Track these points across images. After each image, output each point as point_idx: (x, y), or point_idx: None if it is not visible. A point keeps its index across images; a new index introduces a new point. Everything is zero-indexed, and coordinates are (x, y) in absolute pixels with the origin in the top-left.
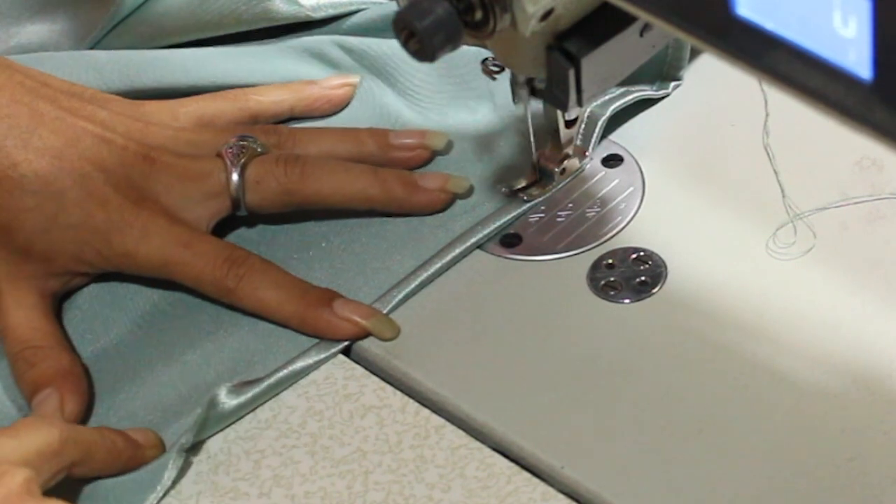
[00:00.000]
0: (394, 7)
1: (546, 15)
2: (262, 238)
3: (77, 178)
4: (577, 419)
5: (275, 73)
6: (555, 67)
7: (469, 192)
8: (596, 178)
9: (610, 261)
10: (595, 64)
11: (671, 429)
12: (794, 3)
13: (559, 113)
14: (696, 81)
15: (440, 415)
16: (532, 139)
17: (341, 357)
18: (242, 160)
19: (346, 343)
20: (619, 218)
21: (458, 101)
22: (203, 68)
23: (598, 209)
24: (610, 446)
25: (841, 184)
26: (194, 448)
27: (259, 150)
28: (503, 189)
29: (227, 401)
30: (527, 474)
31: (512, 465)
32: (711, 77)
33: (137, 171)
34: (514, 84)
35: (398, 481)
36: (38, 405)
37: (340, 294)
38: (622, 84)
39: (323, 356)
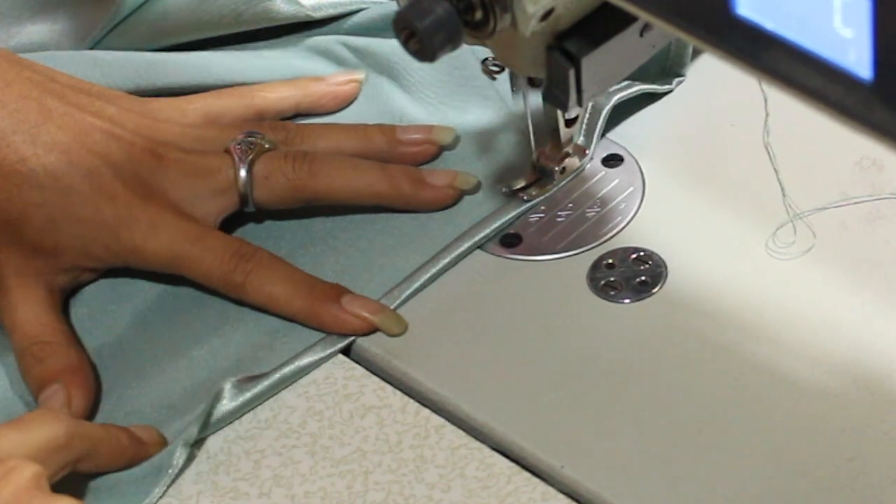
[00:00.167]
0: (394, 7)
1: (546, 15)
2: (269, 234)
3: (85, 174)
4: (577, 419)
5: (281, 71)
6: (555, 67)
7: (477, 188)
8: (596, 178)
9: (610, 261)
10: (595, 64)
11: (671, 429)
12: (794, 3)
13: (559, 112)
14: (696, 81)
15: (440, 415)
16: (532, 138)
17: (341, 357)
18: (250, 156)
19: (351, 339)
20: (619, 218)
21: (462, 98)
22: (209, 67)
23: (598, 209)
24: (610, 446)
25: (841, 184)
26: (195, 446)
27: (267, 146)
28: (503, 189)
29: (233, 396)
30: (527, 474)
31: (512, 465)
32: (711, 77)
33: (146, 166)
34: (514, 83)
35: (398, 481)
36: (45, 401)
37: (348, 289)
38: (625, 79)
39: (329, 352)
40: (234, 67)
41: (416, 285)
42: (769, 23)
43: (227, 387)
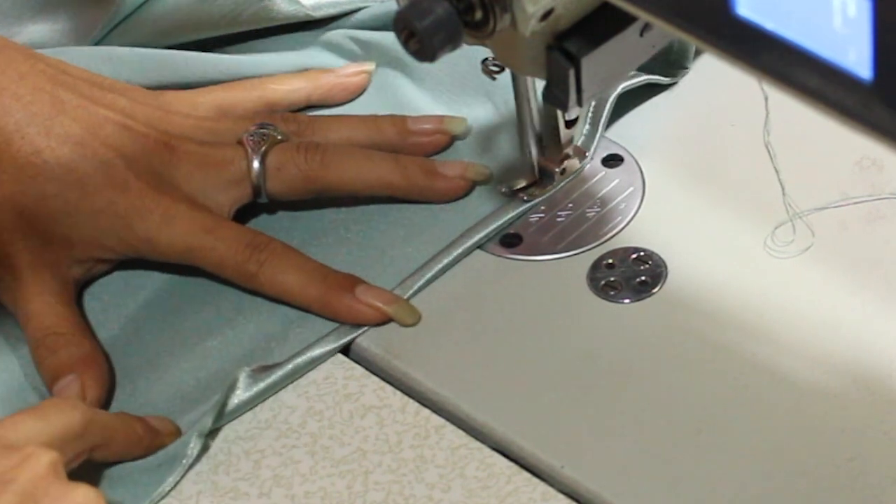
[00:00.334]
0: (394, 4)
1: (546, 15)
2: (282, 225)
3: (99, 165)
4: (577, 419)
5: (289, 65)
6: (555, 67)
7: (489, 179)
8: (596, 178)
9: (610, 261)
10: (595, 64)
11: (671, 429)
12: (793, 3)
13: (559, 113)
14: (696, 81)
15: (440, 415)
16: (532, 139)
17: (341, 357)
18: (263, 148)
19: (364, 329)
20: (619, 218)
21: (463, 98)
22: (220, 63)
23: (598, 209)
24: (610, 446)
25: (841, 183)
26: (208, 436)
27: (279, 137)
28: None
29: (247, 386)
30: (527, 474)
31: (512, 465)
32: (711, 77)
33: (158, 158)
34: (514, 83)
35: (398, 481)
36: (59, 391)
37: (362, 279)
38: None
39: (341, 342)
40: (244, 62)
41: (428, 276)
42: (769, 23)
43: (242, 377)
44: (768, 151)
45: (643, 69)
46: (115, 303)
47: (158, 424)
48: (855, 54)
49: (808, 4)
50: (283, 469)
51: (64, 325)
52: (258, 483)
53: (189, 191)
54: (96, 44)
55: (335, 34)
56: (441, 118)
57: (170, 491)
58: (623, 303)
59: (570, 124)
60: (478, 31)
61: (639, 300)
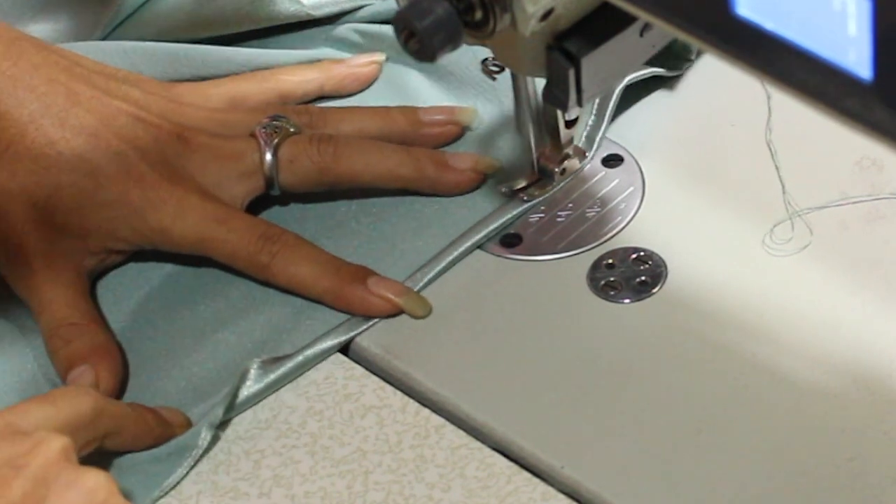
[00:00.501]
0: (394, 3)
1: (546, 15)
2: (294, 217)
3: (112, 156)
4: (577, 419)
5: (301, 57)
6: (555, 67)
7: (499, 171)
8: (596, 178)
9: (610, 261)
10: (595, 64)
11: (671, 429)
12: (793, 3)
13: (559, 113)
14: (696, 81)
15: (440, 415)
16: (532, 139)
17: (341, 357)
18: (276, 140)
19: (374, 321)
20: (619, 218)
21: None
22: (233, 56)
23: (598, 209)
24: (610, 446)
25: (841, 183)
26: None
27: (292, 130)
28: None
29: (258, 377)
30: (527, 474)
31: (512, 465)
32: (712, 77)
33: (172, 150)
34: (514, 83)
35: (398, 481)
36: (73, 381)
37: (374, 271)
38: None
39: (353, 333)
40: (256, 56)
41: (438, 268)
42: (769, 23)
43: (253, 368)
44: (770, 149)
45: (648, 62)
46: (128, 294)
47: (169, 415)
48: (855, 54)
49: (808, 4)
50: (283, 469)
51: (78, 316)
52: (258, 483)
53: (202, 182)
54: None
55: (340, 29)
56: (452, 109)
57: (179, 481)
58: (623, 303)
59: (570, 124)
60: (478, 31)
61: (639, 300)
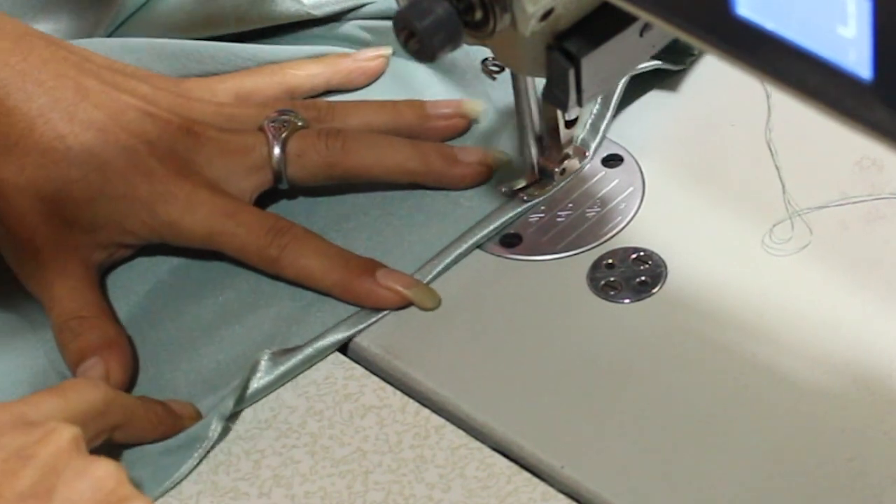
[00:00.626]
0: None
1: (546, 15)
2: (302, 211)
3: (122, 151)
4: (577, 419)
5: (308, 52)
6: (555, 67)
7: (507, 165)
8: (596, 178)
9: (610, 261)
10: (595, 64)
11: (671, 429)
12: (793, 2)
13: (559, 113)
14: (696, 81)
15: (440, 415)
16: (531, 139)
17: (341, 357)
18: (284, 134)
19: (383, 313)
20: (619, 218)
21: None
22: (241, 53)
23: (598, 209)
24: (610, 446)
25: (841, 183)
26: (229, 420)
27: (300, 124)
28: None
29: (268, 369)
30: (527, 474)
31: (512, 465)
32: (711, 77)
33: (181, 144)
34: (514, 83)
35: (398, 481)
36: (83, 374)
37: (383, 264)
38: None
39: (362, 326)
40: (263, 52)
41: (447, 261)
42: (769, 23)
43: (264, 359)
44: (770, 149)
45: (651, 57)
46: (137, 287)
47: (179, 408)
48: (855, 54)
49: (808, 4)
50: (283, 469)
51: (87, 309)
52: (258, 483)
53: (211, 176)
54: None
55: (346, 26)
56: (459, 102)
57: (190, 472)
58: (623, 303)
59: (570, 124)
60: (478, 31)
61: (639, 300)
